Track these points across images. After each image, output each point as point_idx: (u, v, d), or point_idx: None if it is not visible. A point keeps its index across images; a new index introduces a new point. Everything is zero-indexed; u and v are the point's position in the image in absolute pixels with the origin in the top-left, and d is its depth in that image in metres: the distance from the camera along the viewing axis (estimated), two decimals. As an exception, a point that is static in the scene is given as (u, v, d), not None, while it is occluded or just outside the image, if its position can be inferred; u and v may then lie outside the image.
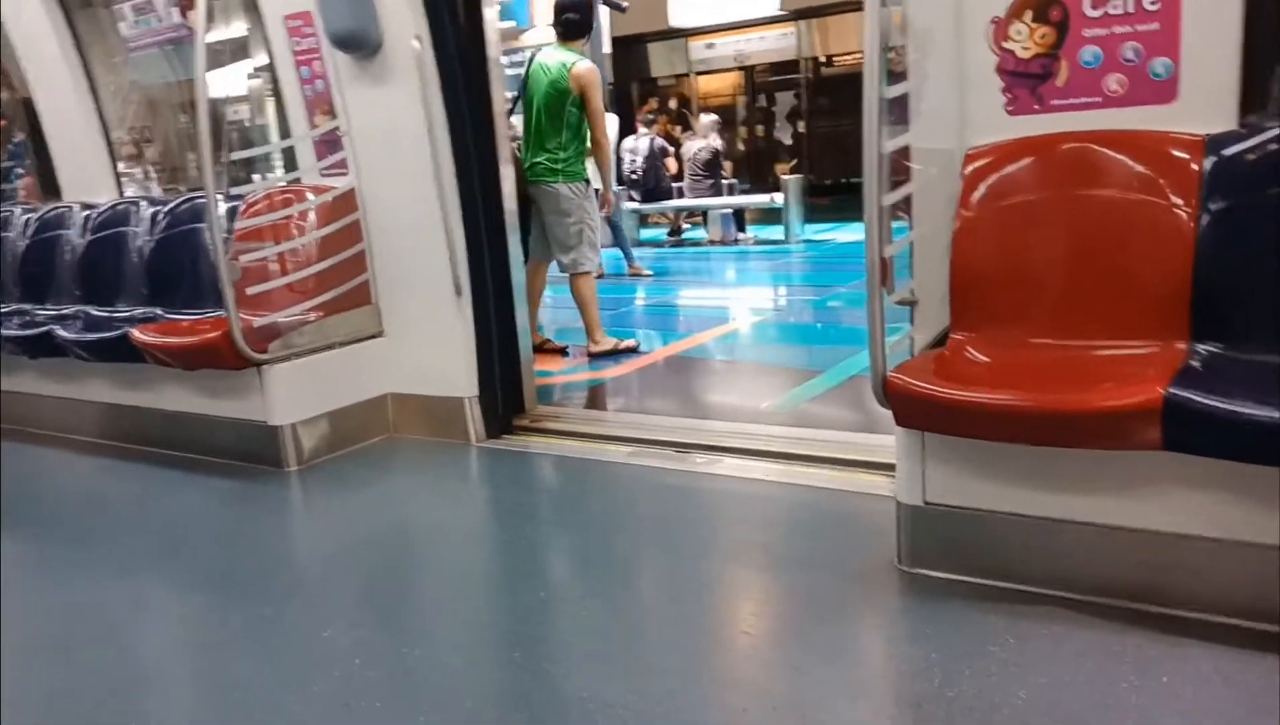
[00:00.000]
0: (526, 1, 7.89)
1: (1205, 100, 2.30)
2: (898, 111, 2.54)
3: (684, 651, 2.23)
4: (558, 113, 4.99)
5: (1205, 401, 1.89)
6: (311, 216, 3.91)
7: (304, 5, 3.83)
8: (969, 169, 2.53)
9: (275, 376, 3.71)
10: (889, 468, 2.77)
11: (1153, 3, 2.31)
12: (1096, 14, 2.38)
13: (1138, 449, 2.04)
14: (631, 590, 2.58)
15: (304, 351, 3.80)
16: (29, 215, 5.21)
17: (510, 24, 7.24)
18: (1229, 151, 2.26)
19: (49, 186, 5.67)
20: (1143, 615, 2.12)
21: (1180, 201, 2.28)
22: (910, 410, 2.26)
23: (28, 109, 5.68)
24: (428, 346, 3.96)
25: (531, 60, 5.08)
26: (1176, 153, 2.31)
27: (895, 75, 2.53)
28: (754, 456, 3.42)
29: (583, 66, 5.02)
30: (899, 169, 2.56)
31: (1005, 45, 2.48)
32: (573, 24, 5.05)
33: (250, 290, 3.65)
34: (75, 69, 5.16)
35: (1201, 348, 2.20)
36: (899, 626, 2.31)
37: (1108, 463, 2.14)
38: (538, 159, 5.04)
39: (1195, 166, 2.28)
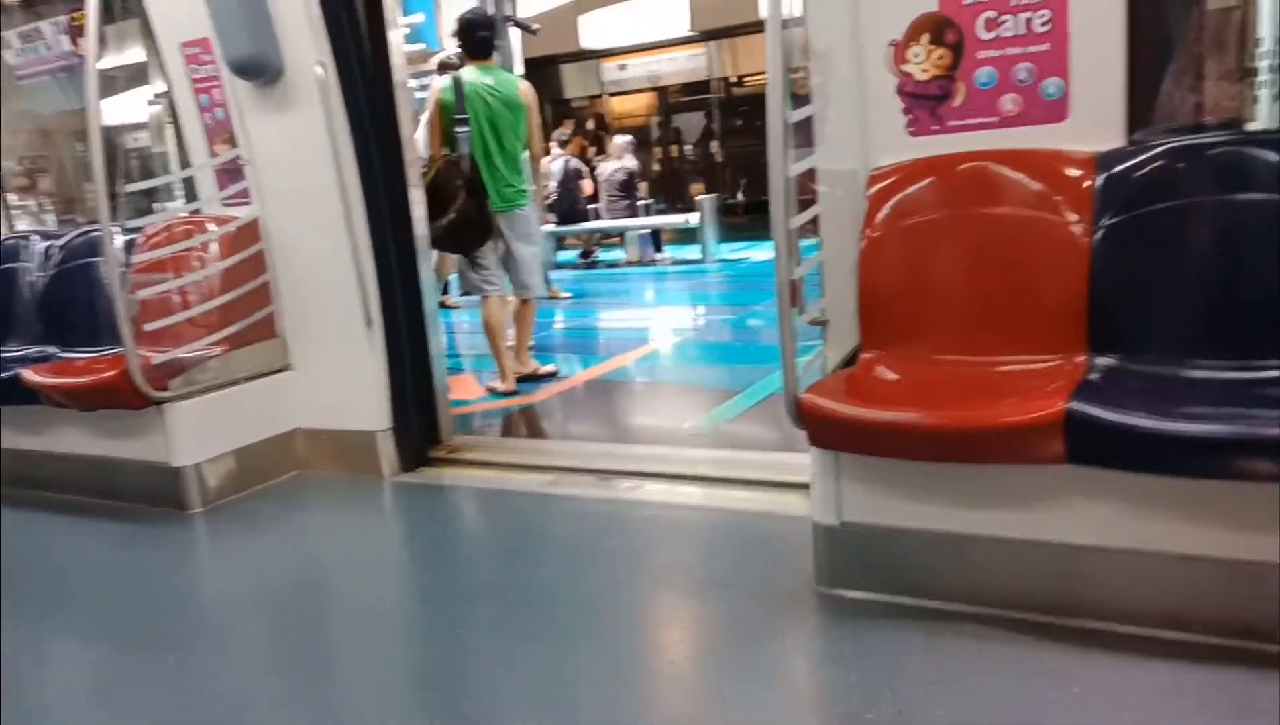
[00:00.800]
0: (435, 24, 7.80)
1: (1095, 118, 2.38)
2: (803, 133, 2.57)
3: (607, 684, 2.20)
4: (516, 132, 4.86)
5: (1104, 414, 1.94)
6: (213, 248, 3.79)
7: (202, 32, 3.72)
8: (873, 189, 2.57)
9: (177, 415, 3.57)
10: (807, 488, 2.78)
11: (1043, 23, 2.38)
12: (990, 35, 2.44)
13: (1042, 463, 2.08)
14: (552, 623, 2.53)
15: (208, 388, 3.66)
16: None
17: (420, 46, 7.11)
18: (1119, 168, 2.33)
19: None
20: (1054, 628, 2.16)
21: (1075, 217, 2.34)
22: (823, 430, 2.27)
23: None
24: (338, 379, 3.86)
25: (459, 83, 4.79)
26: (1069, 170, 2.38)
27: (799, 98, 2.57)
28: (676, 480, 3.41)
29: (525, 83, 4.97)
30: (806, 190, 2.59)
31: (904, 67, 2.53)
32: (488, 41, 4.98)
33: (149, 326, 3.51)
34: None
35: (1100, 361, 2.26)
36: (818, 648, 2.32)
37: (1014, 477, 2.18)
38: (510, 184, 4.85)
39: (1088, 183, 2.34)
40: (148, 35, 4.49)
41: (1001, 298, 2.42)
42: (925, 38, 2.49)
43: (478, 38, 4.92)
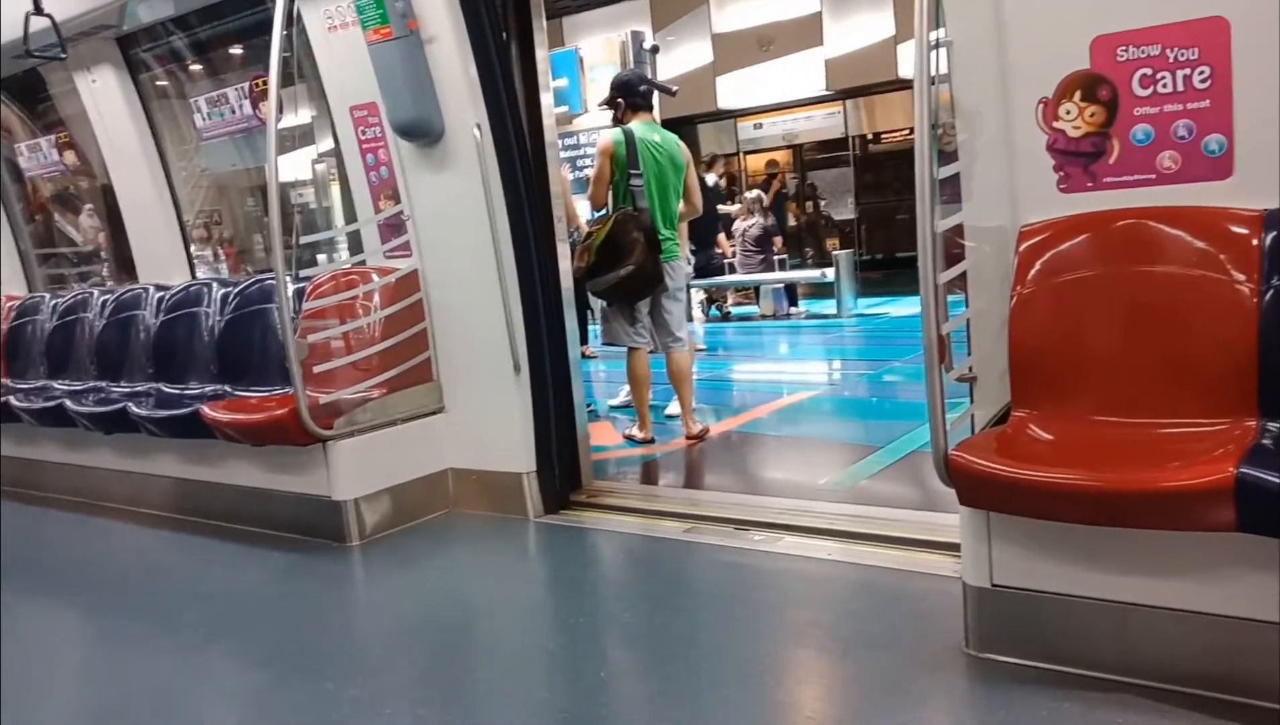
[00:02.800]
0: (579, 88, 8.12)
1: (1261, 175, 2.30)
2: (949, 190, 2.58)
3: (746, 734, 2.20)
4: (677, 189, 4.95)
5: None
6: (376, 297, 4.03)
7: (369, 97, 4.01)
8: (1024, 246, 2.54)
9: (339, 452, 3.79)
10: (953, 548, 2.74)
11: (1203, 81, 2.33)
12: (1146, 92, 2.40)
13: (1209, 530, 2.00)
14: (691, 670, 2.55)
15: (367, 428, 3.88)
16: (106, 296, 5.44)
17: (564, 109, 7.40)
18: (1290, 226, 2.24)
19: (126, 268, 5.93)
20: (1218, 704, 2.06)
21: (1242, 277, 2.26)
22: (974, 489, 2.24)
23: (106, 195, 5.97)
24: (487, 422, 4.02)
25: (630, 138, 4.81)
26: (1235, 228, 2.30)
27: (945, 155, 2.58)
28: (813, 534, 3.40)
29: (682, 142, 5.06)
30: (952, 246, 2.58)
31: (1055, 124, 2.51)
32: (649, 95, 5.10)
33: (317, 368, 3.76)
34: (152, 157, 5.42)
35: (1272, 425, 2.16)
36: (968, 713, 2.26)
37: (1179, 544, 2.10)
38: (668, 235, 4.91)
39: (1255, 241, 2.26)
40: (315, 98, 4.86)
41: (1162, 358, 2.34)
42: (1077, 95, 2.47)
43: (641, 91, 5.05)
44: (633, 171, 4.78)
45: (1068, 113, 2.49)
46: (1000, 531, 2.33)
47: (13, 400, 4.99)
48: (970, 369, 2.62)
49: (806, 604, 2.95)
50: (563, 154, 6.21)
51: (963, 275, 2.63)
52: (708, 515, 3.70)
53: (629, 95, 5.03)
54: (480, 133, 3.79)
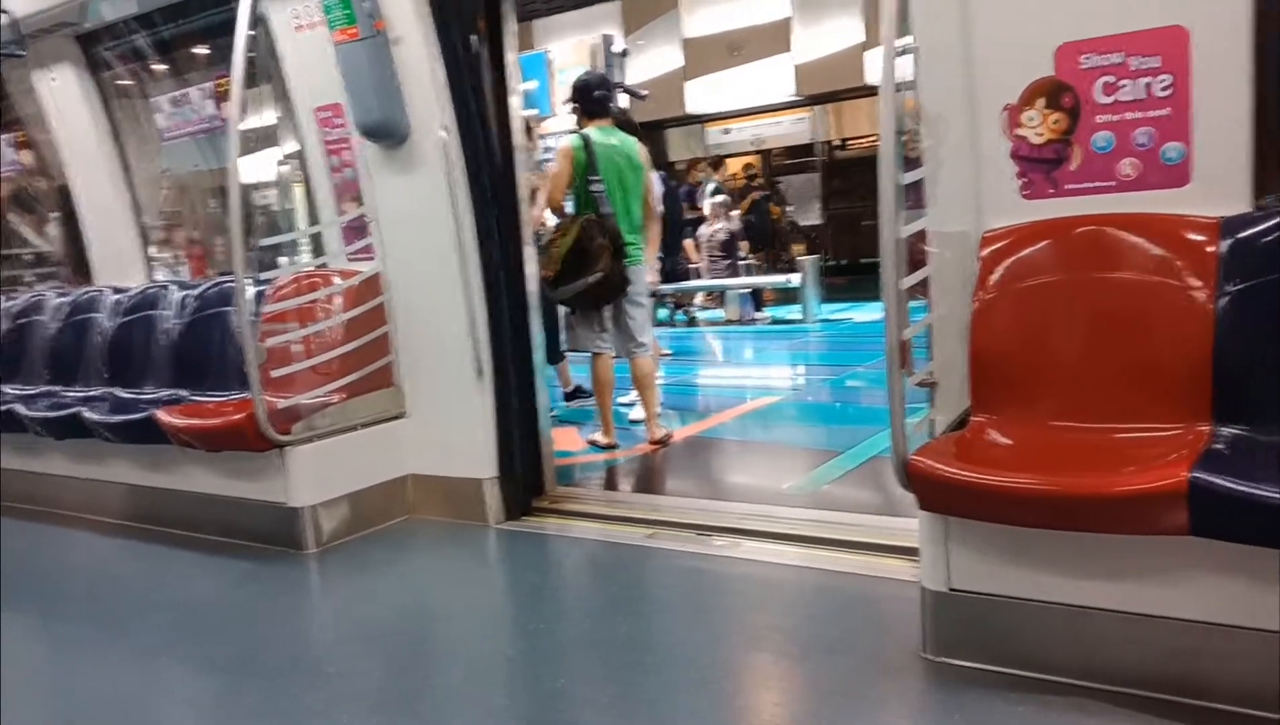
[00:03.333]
0: (548, 90, 8.10)
1: (1218, 183, 2.33)
2: (913, 196, 2.59)
3: (706, 741, 2.19)
4: (637, 192, 4.92)
5: (1231, 485, 1.88)
6: (338, 300, 3.98)
7: (334, 97, 3.96)
8: (986, 251, 2.56)
9: (297, 458, 3.74)
10: (912, 552, 2.74)
11: (1164, 88, 2.36)
12: (1108, 100, 2.42)
13: (1163, 534, 2.01)
14: (651, 676, 2.54)
15: (327, 433, 3.83)
16: (61, 299, 5.33)
17: (533, 111, 7.36)
18: (1245, 233, 2.27)
19: (81, 270, 5.81)
20: (1174, 706, 2.08)
21: (1198, 283, 2.29)
22: (933, 494, 2.25)
23: (63, 195, 5.86)
24: (449, 428, 3.98)
25: (588, 142, 4.81)
26: (1192, 235, 2.33)
27: (910, 161, 2.59)
28: (774, 539, 3.40)
29: (640, 144, 5.03)
30: (916, 252, 2.59)
31: (1018, 131, 2.53)
32: (605, 101, 5.07)
33: (275, 372, 3.70)
34: (111, 157, 5.33)
35: (1225, 430, 2.18)
36: (924, 717, 2.27)
37: (1134, 548, 2.11)
38: (632, 240, 4.87)
39: (1211, 248, 2.29)
40: (282, 99, 4.80)
41: (1119, 364, 2.37)
42: (1040, 102, 2.49)
43: (595, 97, 5.02)
44: (592, 177, 4.77)
45: (1031, 120, 2.51)
46: (958, 536, 2.34)
47: (-39, 404, 4.87)
48: (931, 374, 2.63)
49: (766, 609, 2.94)
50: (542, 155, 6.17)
51: (925, 281, 2.64)
52: (669, 521, 3.69)
53: (585, 101, 5.02)
54: (447, 134, 3.75)
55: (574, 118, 5.24)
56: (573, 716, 2.38)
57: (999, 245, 2.55)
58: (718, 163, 11.88)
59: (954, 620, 2.38)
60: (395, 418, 4.08)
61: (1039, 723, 2.09)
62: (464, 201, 3.80)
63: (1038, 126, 2.51)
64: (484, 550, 3.75)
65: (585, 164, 4.77)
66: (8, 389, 5.21)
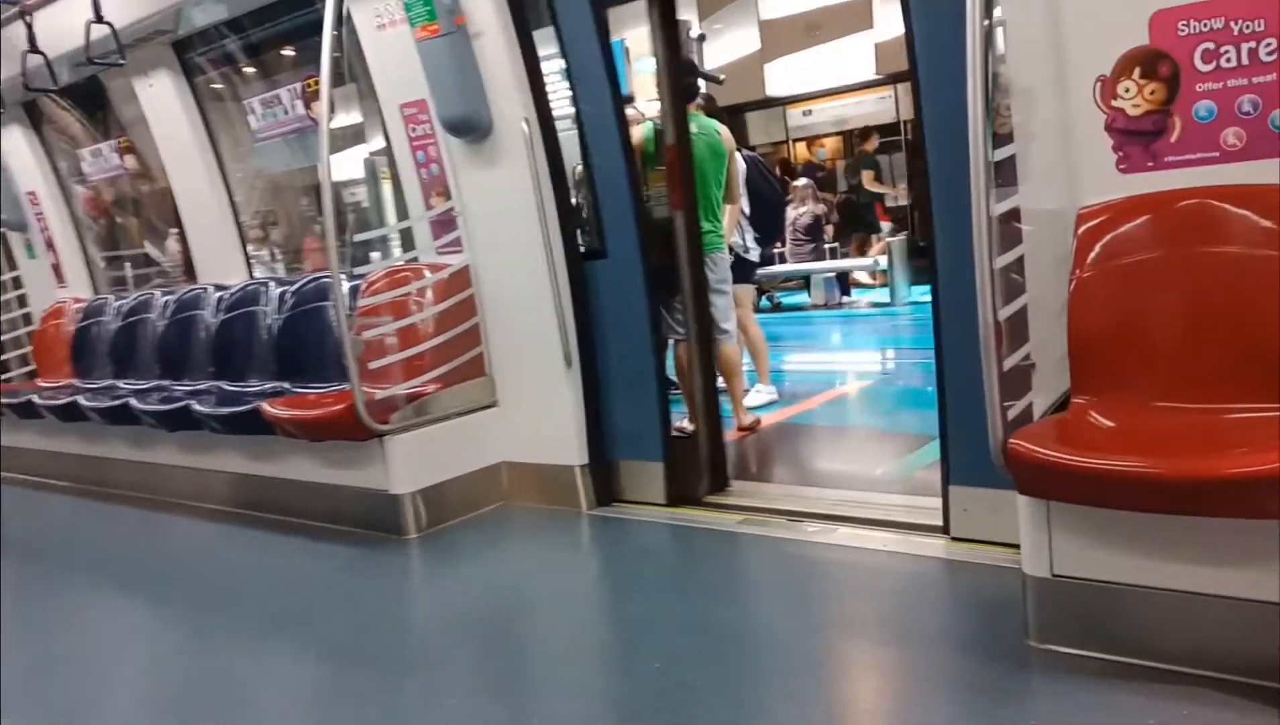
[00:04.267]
0: (625, 78, 8.07)
1: (1333, 150, 2.22)
2: (1004, 173, 2.53)
3: (803, 726, 2.19)
4: (718, 179, 4.88)
5: (1352, 466, 1.79)
6: (429, 293, 4.08)
7: (418, 94, 4.04)
8: (1082, 229, 2.49)
9: (396, 447, 3.85)
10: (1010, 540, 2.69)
11: (1269, 53, 2.25)
12: (1208, 68, 2.32)
13: (1275, 518, 1.94)
14: (748, 662, 2.54)
15: (422, 422, 3.93)
16: (168, 297, 5.57)
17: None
18: (1363, 203, 2.17)
19: (186, 269, 6.07)
20: (1292, 695, 2.00)
21: (1311, 257, 2.19)
22: (1033, 478, 2.20)
23: (165, 197, 6.10)
24: (540, 416, 4.05)
25: (657, 130, 4.63)
26: (1305, 206, 2.22)
27: (1000, 137, 2.53)
28: (868, 525, 3.37)
29: (725, 130, 4.97)
30: (1008, 231, 2.54)
31: (1114, 103, 2.45)
32: (690, 86, 5.03)
33: (372, 365, 3.81)
34: (208, 159, 5.53)
35: (1343, 409, 2.09)
36: (1029, 705, 2.22)
37: (1245, 533, 2.04)
38: (709, 227, 4.80)
39: (1326, 219, 2.19)
40: (369, 97, 4.92)
41: (1225, 342, 2.28)
42: (1136, 72, 2.41)
43: (684, 84, 4.98)
44: (660, 167, 4.74)
45: (1126, 91, 2.42)
46: (1060, 521, 2.29)
47: (81, 400, 5.14)
48: (1028, 356, 2.57)
49: (863, 596, 2.93)
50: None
51: (1019, 260, 2.58)
52: (761, 507, 3.69)
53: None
54: (529, 126, 3.80)
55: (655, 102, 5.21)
56: (669, 701, 2.40)
57: (1096, 222, 2.47)
58: (866, 134, 11.53)
59: (1058, 606, 2.33)
60: (487, 407, 4.16)
61: (1148, 711, 2.03)
62: (548, 191, 3.85)
63: (1134, 98, 2.42)
64: (577, 536, 3.80)
65: (654, 153, 4.76)
66: (122, 384, 5.48)
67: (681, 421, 5.18)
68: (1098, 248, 2.45)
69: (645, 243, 3.87)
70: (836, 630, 2.72)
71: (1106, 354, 2.40)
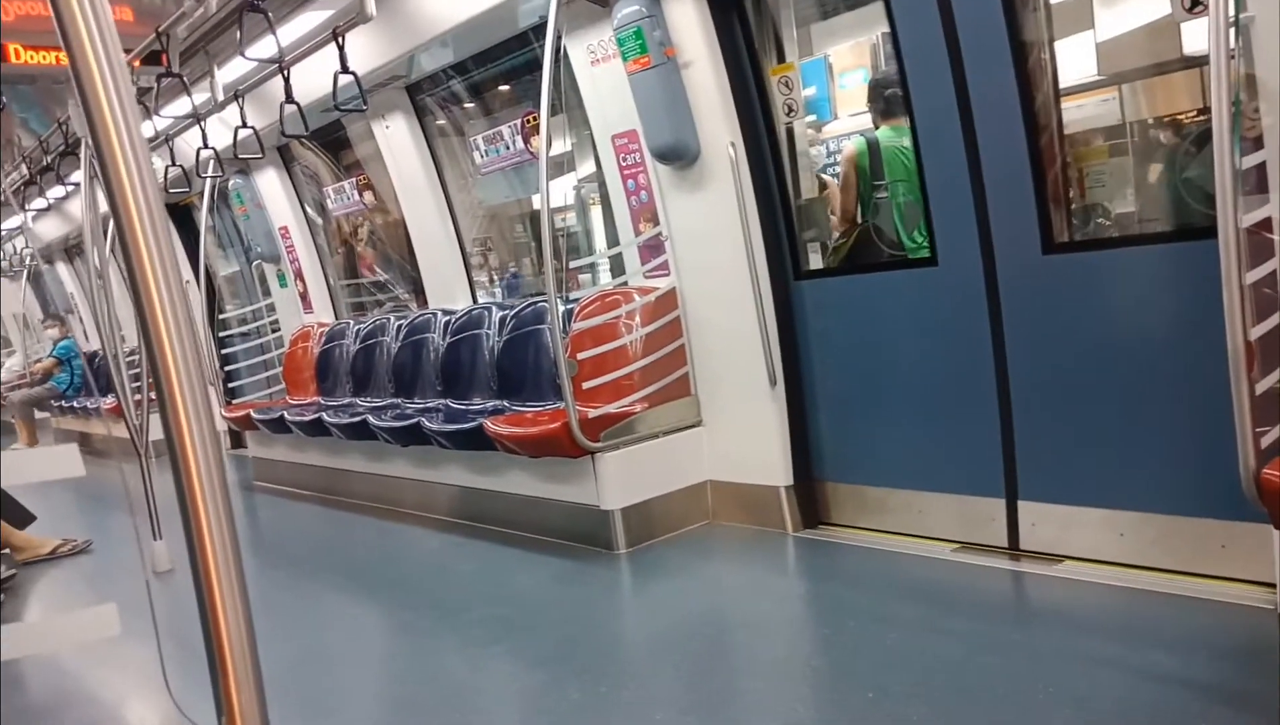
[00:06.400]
0: (829, 98, 8.03)
1: None
2: (1253, 180, 2.34)
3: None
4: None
5: None
6: (637, 316, 4.20)
7: (629, 125, 4.19)
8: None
9: (607, 464, 3.98)
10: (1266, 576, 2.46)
11: None
12: None
13: None
14: (968, 703, 2.43)
15: (632, 440, 4.05)
16: (400, 321, 6.01)
17: (811, 117, 7.34)
18: None
19: (417, 295, 6.53)
20: None
21: None
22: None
23: (397, 228, 6.58)
24: (744, 436, 4.08)
25: (874, 146, 4.48)
26: None
27: (1246, 141, 2.34)
28: (1093, 561, 3.16)
29: None
30: (1259, 242, 2.34)
31: (1389, 99, 2.21)
32: (898, 100, 4.89)
33: (585, 385, 3.96)
34: (437, 192, 5.94)
35: None
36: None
37: None
38: (914, 245, 4.43)
39: None
40: (573, 128, 5.13)
41: None
42: None
43: (887, 96, 4.86)
44: (876, 182, 4.63)
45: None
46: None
47: (324, 416, 5.62)
48: (1281, 379, 2.35)
49: (1090, 633, 2.74)
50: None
51: (1271, 275, 2.37)
52: (979, 539, 3.51)
53: (878, 100, 4.86)
54: (734, 151, 3.86)
55: (867, 119, 5.12)
56: None
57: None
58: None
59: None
60: (693, 426, 4.23)
61: None
62: (753, 214, 3.89)
63: None
64: (783, 558, 3.79)
65: (869, 169, 4.65)
66: (360, 402, 5.95)
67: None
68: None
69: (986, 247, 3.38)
70: (1063, 670, 2.52)
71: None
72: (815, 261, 4.13)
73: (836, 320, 3.93)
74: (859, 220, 4.68)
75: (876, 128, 4.84)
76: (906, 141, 4.69)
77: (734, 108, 3.90)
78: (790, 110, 4.04)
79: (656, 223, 4.27)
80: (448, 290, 5.99)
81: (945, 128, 3.45)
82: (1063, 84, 3.50)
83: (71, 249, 10.82)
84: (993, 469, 3.40)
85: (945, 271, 3.50)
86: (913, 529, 3.73)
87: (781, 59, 4.11)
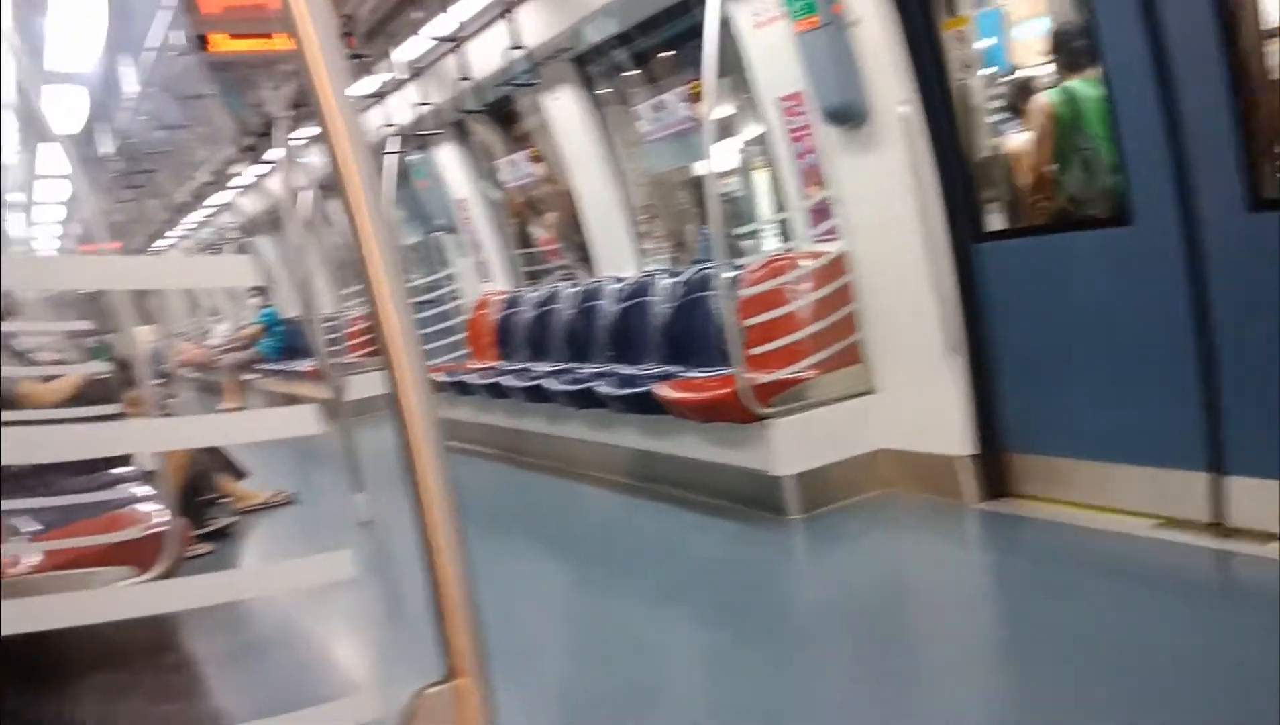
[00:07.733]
0: (1003, 46, 7.64)
1: None
2: None
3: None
4: None
5: None
6: (807, 281, 4.18)
7: (795, 86, 4.14)
8: None
9: (778, 430, 4.00)
10: None
11: None
12: None
13: None
14: (1158, 690, 2.28)
15: (803, 407, 4.05)
16: (573, 289, 6.20)
17: (991, 70, 7.01)
18: None
19: (587, 263, 6.70)
20: None
21: None
22: None
23: (567, 199, 6.75)
24: (919, 403, 4.00)
25: (1072, 97, 4.13)
26: None
27: None
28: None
29: None
30: None
31: None
32: (1085, 51, 4.54)
33: (755, 351, 3.99)
34: (605, 161, 6.05)
35: None
36: None
37: None
38: None
39: None
40: (735, 91, 5.10)
41: None
42: None
43: (1074, 47, 4.53)
44: (1081, 139, 4.31)
45: None
46: None
47: (503, 380, 5.88)
48: None
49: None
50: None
51: None
52: (1181, 514, 3.24)
53: (1064, 52, 4.54)
54: (909, 110, 3.75)
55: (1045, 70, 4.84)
56: (1064, 714, 2.26)
57: None
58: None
59: None
60: (864, 393, 4.19)
61: None
62: (928, 175, 3.78)
63: None
64: (961, 532, 3.70)
65: (1070, 122, 4.33)
66: (536, 366, 6.19)
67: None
68: None
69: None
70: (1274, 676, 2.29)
71: None
72: (996, 222, 3.98)
73: (1022, 283, 3.76)
74: (1058, 178, 4.43)
75: (1063, 80, 4.54)
76: (1097, 92, 4.39)
77: (907, 64, 3.79)
78: (966, 65, 3.89)
79: (824, 186, 4.22)
80: (617, 258, 6.11)
81: (1139, 76, 3.23)
82: (1269, 24, 3.18)
83: (270, 222, 11.65)
84: (1195, 441, 3.19)
85: (1141, 230, 3.31)
86: (1105, 503, 3.53)
87: (953, 11, 3.95)
